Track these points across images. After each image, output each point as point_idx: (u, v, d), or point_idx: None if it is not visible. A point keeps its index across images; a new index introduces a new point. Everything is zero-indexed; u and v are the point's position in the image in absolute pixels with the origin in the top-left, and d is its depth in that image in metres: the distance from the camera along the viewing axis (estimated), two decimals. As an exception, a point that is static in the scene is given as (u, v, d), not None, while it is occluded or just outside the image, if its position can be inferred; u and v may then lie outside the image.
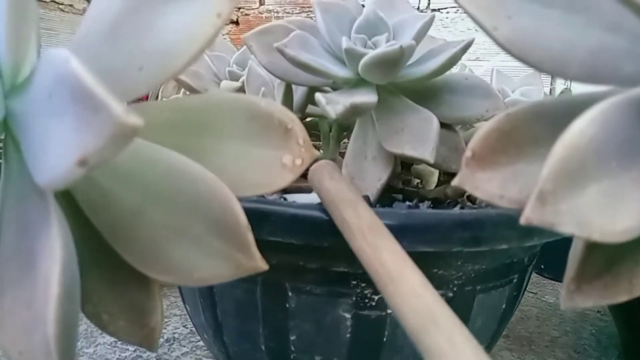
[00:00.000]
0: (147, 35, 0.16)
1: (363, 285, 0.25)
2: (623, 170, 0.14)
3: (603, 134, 0.14)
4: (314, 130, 0.40)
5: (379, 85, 0.27)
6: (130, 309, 0.20)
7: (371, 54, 0.24)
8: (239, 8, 1.14)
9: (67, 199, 0.18)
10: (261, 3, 1.15)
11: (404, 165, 0.34)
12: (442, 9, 1.03)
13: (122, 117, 0.12)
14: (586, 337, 0.47)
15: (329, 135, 0.37)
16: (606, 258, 0.16)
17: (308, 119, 0.40)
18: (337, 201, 0.21)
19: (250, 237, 0.17)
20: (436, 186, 0.34)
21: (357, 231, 0.19)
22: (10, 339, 0.15)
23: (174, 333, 0.43)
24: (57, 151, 0.13)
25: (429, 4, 1.01)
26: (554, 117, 0.18)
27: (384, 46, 0.26)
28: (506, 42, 0.15)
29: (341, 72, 0.26)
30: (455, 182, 0.19)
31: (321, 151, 0.37)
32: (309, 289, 0.26)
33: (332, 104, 0.23)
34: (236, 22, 1.18)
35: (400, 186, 0.32)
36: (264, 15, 1.15)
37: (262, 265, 0.18)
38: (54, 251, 0.15)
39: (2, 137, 0.16)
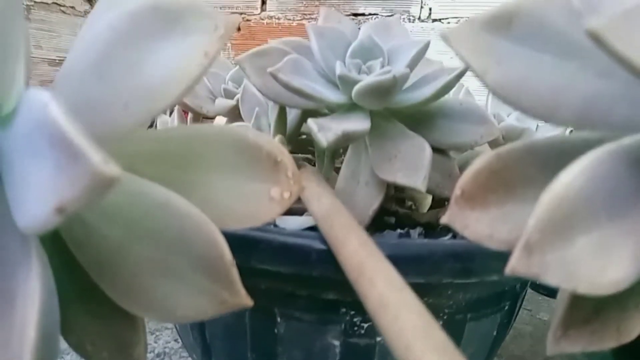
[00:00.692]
0: (134, 71, 0.16)
1: (352, 312, 0.25)
2: (612, 221, 0.14)
3: (592, 185, 0.14)
4: (309, 147, 0.40)
5: (373, 110, 0.27)
6: (114, 341, 0.19)
7: (364, 82, 0.24)
8: (241, 14, 1.14)
9: (52, 232, 0.18)
10: (263, 9, 1.14)
11: (397, 187, 0.33)
12: (443, 19, 1.03)
13: (100, 167, 0.12)
14: (579, 358, 0.47)
15: (323, 153, 0.36)
16: (593, 305, 0.16)
17: (303, 136, 0.40)
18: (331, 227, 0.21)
19: (234, 273, 0.17)
20: (430, 208, 0.34)
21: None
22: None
23: (165, 347, 0.43)
24: (36, 196, 0.13)
25: (429, 14, 1.01)
26: (545, 158, 0.17)
27: (377, 73, 0.25)
28: (496, 87, 0.15)
29: (335, 97, 0.26)
30: (444, 220, 0.19)
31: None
32: (298, 315, 0.26)
33: (324, 132, 0.23)
34: (237, 28, 1.17)
35: (394, 208, 0.32)
36: (265, 21, 1.15)
37: (246, 302, 0.18)
38: (33, 294, 0.14)
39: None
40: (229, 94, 0.34)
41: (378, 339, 0.26)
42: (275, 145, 0.19)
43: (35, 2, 1.04)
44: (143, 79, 0.15)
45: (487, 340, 0.29)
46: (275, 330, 0.26)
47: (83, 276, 0.18)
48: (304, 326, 0.26)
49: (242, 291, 0.18)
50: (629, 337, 0.16)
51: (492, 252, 0.24)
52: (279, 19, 1.15)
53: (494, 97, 0.16)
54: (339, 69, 0.25)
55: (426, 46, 0.26)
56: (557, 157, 0.17)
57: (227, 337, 0.28)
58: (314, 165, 0.40)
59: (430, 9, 1.02)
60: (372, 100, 0.26)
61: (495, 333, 0.30)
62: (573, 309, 0.16)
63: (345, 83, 0.25)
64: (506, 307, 0.29)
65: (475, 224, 0.18)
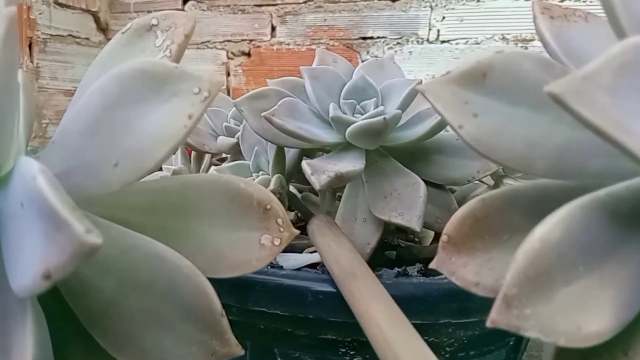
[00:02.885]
0: (123, 133, 0.16)
1: (352, 353, 0.25)
2: (590, 273, 0.14)
3: (567, 238, 0.14)
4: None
5: (368, 149, 0.28)
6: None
7: (356, 124, 0.25)
8: (251, 41, 1.16)
9: (53, 289, 0.19)
10: (272, 35, 1.16)
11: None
12: (452, 40, 1.04)
13: (83, 237, 0.12)
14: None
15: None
16: (582, 353, 0.16)
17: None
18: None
19: (224, 323, 0.18)
20: (432, 241, 0.34)
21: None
22: None
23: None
24: (26, 262, 0.14)
25: (438, 36, 1.02)
26: (528, 205, 0.18)
27: (369, 114, 0.26)
28: (471, 141, 0.16)
29: (329, 137, 0.27)
30: (432, 265, 0.19)
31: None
32: (297, 355, 0.26)
33: (317, 174, 0.23)
34: (248, 54, 1.20)
35: (395, 242, 0.32)
36: (275, 47, 1.17)
37: (237, 351, 0.18)
38: (27, 349, 0.15)
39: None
40: (230, 132, 0.35)
41: (378, 378, 0.26)
42: (265, 193, 0.20)
43: (51, 35, 1.08)
44: (132, 141, 0.16)
45: (492, 376, 0.29)
46: (276, 370, 0.26)
47: (79, 326, 0.19)
48: (304, 366, 0.26)
49: (233, 340, 0.18)
50: (618, 385, 0.16)
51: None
52: (288, 44, 1.17)
53: (470, 148, 0.16)
54: (332, 111, 0.26)
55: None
56: (540, 204, 0.17)
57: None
58: (317, 195, 0.40)
59: (438, 31, 1.03)
60: (365, 141, 0.26)
61: (499, 368, 0.29)
62: (560, 357, 0.16)
63: (339, 124, 0.26)
64: (511, 343, 0.29)
65: (462, 270, 0.18)
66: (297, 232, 0.20)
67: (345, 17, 1.09)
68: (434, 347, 0.26)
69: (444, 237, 0.18)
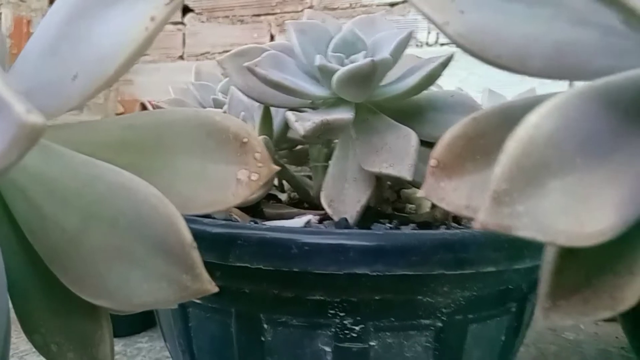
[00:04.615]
0: (84, 43, 0.15)
1: (342, 314, 0.24)
2: (589, 167, 0.13)
3: (562, 127, 0.12)
4: (305, 158, 0.40)
5: (359, 104, 0.26)
6: (78, 339, 0.18)
7: (343, 69, 0.23)
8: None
9: (9, 222, 0.17)
10: (272, 39, 1.16)
11: (395, 187, 0.32)
12: (451, 43, 1.03)
13: (24, 116, 0.11)
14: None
15: (318, 162, 0.36)
16: (584, 270, 0.14)
17: (299, 147, 0.40)
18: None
19: (195, 256, 0.16)
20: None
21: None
22: None
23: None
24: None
25: (437, 39, 1.01)
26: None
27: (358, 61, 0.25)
28: (457, 37, 0.14)
29: (316, 90, 0.26)
30: (420, 193, 0.17)
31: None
32: (284, 320, 0.24)
33: (302, 121, 0.22)
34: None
35: (390, 211, 0.31)
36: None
37: (209, 287, 0.16)
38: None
39: None
40: (218, 104, 0.34)
41: (372, 343, 0.24)
42: (243, 126, 0.19)
43: None
44: (92, 50, 0.15)
45: (495, 347, 0.27)
46: (262, 339, 0.25)
47: (45, 271, 0.17)
48: (292, 332, 0.24)
49: (205, 275, 0.16)
50: (624, 305, 0.14)
51: (486, 241, 0.22)
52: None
53: (457, 46, 0.15)
54: (318, 60, 0.25)
55: (409, 36, 0.25)
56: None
57: (215, 350, 0.27)
58: (310, 178, 0.39)
59: (437, 34, 1.02)
60: (353, 90, 0.25)
61: (503, 338, 0.27)
62: (560, 276, 0.14)
63: (325, 74, 0.25)
64: (513, 309, 0.27)
65: (451, 194, 0.16)
66: (277, 168, 0.19)
67: (343, 23, 1.09)
68: (429, 308, 0.24)
69: (432, 162, 0.17)
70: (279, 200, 0.38)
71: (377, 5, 1.06)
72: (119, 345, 0.46)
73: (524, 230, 0.12)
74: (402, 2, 1.01)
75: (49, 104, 0.16)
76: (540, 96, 0.16)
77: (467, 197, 0.16)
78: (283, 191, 0.41)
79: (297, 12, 1.12)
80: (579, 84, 0.13)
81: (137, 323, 0.48)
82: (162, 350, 0.45)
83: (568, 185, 0.12)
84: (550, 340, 0.51)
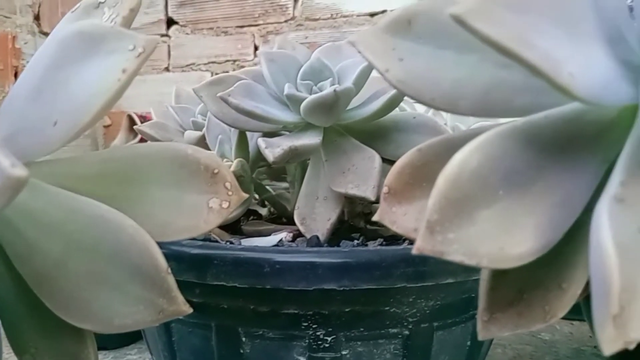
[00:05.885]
0: (62, 91, 0.17)
1: (315, 326, 0.25)
2: (511, 197, 0.14)
3: (486, 163, 0.14)
4: (282, 174, 0.41)
5: (327, 127, 0.28)
6: (65, 358, 0.20)
7: (309, 99, 0.25)
8: (234, 61, 1.17)
9: (1, 252, 0.19)
10: (255, 55, 1.18)
11: (364, 203, 0.34)
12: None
13: (8, 170, 0.12)
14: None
15: (295, 178, 0.37)
16: (516, 287, 0.16)
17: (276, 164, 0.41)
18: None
19: (170, 281, 0.18)
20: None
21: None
22: None
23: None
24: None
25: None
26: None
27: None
28: (397, 83, 0.16)
29: (285, 116, 0.27)
30: (375, 217, 0.19)
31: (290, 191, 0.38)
32: (261, 333, 0.26)
33: (271, 148, 0.24)
34: (232, 74, 1.21)
35: (362, 225, 0.32)
36: (258, 67, 1.18)
37: (184, 309, 0.18)
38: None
39: None
40: (197, 126, 0.35)
41: (344, 352, 0.26)
42: (213, 158, 0.20)
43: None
44: (69, 98, 0.17)
45: (461, 351, 0.29)
46: (241, 351, 0.26)
47: (33, 296, 0.19)
48: (269, 344, 0.26)
49: (180, 298, 0.18)
50: (556, 316, 0.16)
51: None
52: (272, 63, 1.18)
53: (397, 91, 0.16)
54: (287, 89, 0.26)
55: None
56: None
57: (197, 363, 0.28)
58: (287, 190, 0.41)
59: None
60: (320, 117, 0.27)
61: (469, 343, 0.29)
62: (494, 292, 0.16)
63: (294, 102, 0.27)
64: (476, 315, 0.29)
65: (402, 218, 0.18)
66: (246, 195, 0.20)
67: (325, 33, 1.11)
68: (396, 318, 0.26)
69: (384, 189, 0.19)
70: (260, 216, 0.40)
71: (358, 16, 1.08)
72: (109, 357, 0.47)
73: (454, 255, 0.14)
74: (382, 12, 1.04)
75: (33, 147, 0.17)
76: (479, 129, 0.18)
77: (416, 221, 0.18)
78: (264, 206, 0.42)
79: (280, 22, 1.14)
80: (503, 122, 0.15)
81: (126, 336, 0.50)
82: (150, 362, 0.46)
83: (492, 215, 0.14)
84: (526, 341, 0.53)
